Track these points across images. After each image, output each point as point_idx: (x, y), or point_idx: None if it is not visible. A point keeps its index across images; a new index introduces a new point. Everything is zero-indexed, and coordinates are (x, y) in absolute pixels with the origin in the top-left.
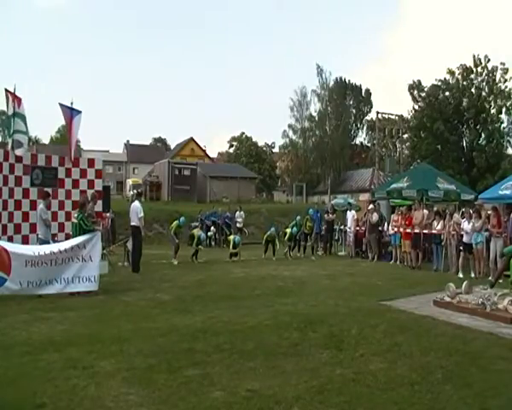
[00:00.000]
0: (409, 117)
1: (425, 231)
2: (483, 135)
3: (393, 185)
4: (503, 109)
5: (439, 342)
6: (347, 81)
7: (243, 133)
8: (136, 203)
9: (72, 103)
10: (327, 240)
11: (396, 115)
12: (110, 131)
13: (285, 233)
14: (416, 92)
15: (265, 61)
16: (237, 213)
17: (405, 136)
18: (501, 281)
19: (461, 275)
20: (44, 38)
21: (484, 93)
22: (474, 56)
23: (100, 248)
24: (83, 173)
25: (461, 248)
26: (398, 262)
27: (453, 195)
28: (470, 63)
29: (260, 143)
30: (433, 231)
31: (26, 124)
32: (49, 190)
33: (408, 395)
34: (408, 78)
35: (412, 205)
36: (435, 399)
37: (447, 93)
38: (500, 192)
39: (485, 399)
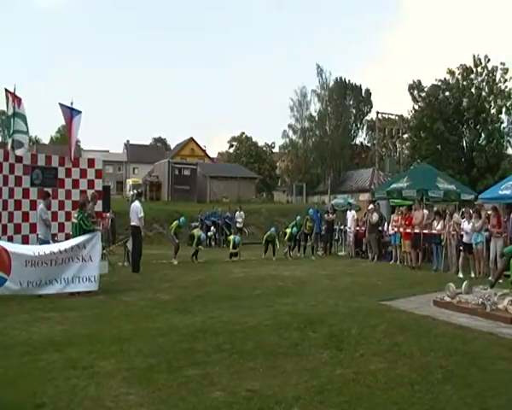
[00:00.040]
0: (409, 117)
1: (425, 231)
2: (483, 135)
3: (393, 185)
4: (503, 109)
5: (439, 342)
6: (347, 81)
7: (243, 133)
8: (136, 203)
9: (72, 103)
10: (327, 240)
11: (396, 115)
12: (110, 131)
13: (285, 233)
14: (416, 92)
15: (265, 61)
16: (237, 213)
17: (405, 136)
18: (501, 281)
19: (461, 275)
20: (44, 38)
21: (484, 93)
22: (474, 56)
23: (100, 248)
24: (83, 173)
25: (461, 248)
26: (398, 262)
27: (453, 195)
28: (470, 63)
29: (260, 143)
30: (433, 231)
31: (26, 124)
32: (49, 190)
33: (408, 395)
34: (408, 78)
35: (412, 205)
36: (435, 399)
37: (447, 93)
38: (500, 192)
39: (485, 399)
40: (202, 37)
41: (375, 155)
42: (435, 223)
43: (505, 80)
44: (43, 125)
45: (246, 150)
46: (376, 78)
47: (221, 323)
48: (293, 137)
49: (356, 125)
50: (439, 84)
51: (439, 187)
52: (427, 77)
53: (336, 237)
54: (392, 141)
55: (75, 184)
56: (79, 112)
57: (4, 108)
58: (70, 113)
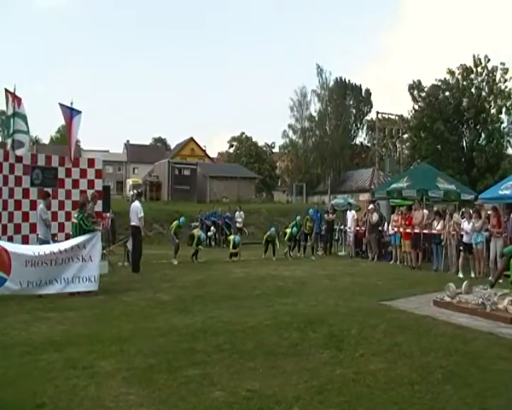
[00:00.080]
0: (409, 117)
1: (425, 231)
2: (483, 135)
3: (393, 185)
4: (503, 109)
5: (439, 342)
6: (347, 81)
7: (243, 133)
8: (137, 203)
9: (72, 103)
10: (327, 240)
11: (396, 115)
12: (110, 131)
13: (285, 233)
14: (416, 92)
15: (265, 61)
16: (237, 213)
17: (405, 136)
18: (501, 281)
19: (461, 275)
20: (44, 38)
21: (484, 93)
22: (474, 56)
23: (100, 248)
24: (83, 173)
25: (461, 248)
26: (398, 262)
27: (453, 195)
28: (470, 63)
29: (260, 143)
30: (433, 231)
31: (27, 123)
32: (49, 190)
33: (408, 395)
34: (408, 78)
35: (412, 205)
36: (435, 399)
37: (447, 93)
38: (500, 192)
39: (485, 399)
40: (202, 37)
41: (375, 155)
42: (435, 223)
43: (505, 80)
44: (43, 125)
45: (246, 150)
46: (376, 78)
47: (221, 323)
48: (293, 137)
49: (356, 125)
50: (439, 84)
51: (439, 187)
52: (427, 77)
53: (336, 237)
54: (392, 141)
55: (75, 184)
56: (79, 112)
57: (4, 109)
58: (70, 113)
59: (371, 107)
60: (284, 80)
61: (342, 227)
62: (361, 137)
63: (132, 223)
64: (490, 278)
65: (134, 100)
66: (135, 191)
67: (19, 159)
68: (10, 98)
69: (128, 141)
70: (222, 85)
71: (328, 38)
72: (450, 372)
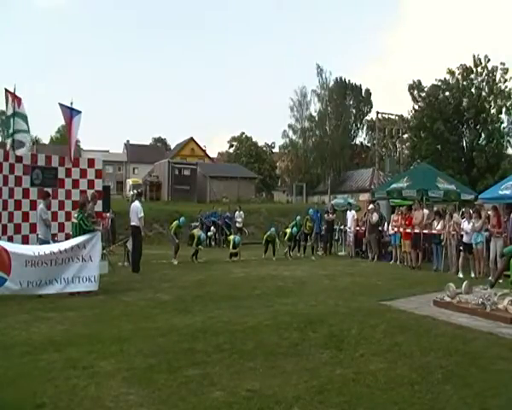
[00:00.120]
0: (409, 117)
1: (425, 231)
2: (483, 135)
3: (393, 185)
4: (503, 109)
5: (439, 342)
6: (347, 81)
7: (243, 133)
8: (137, 203)
9: (72, 103)
10: (327, 240)
11: (396, 115)
12: (110, 131)
13: (285, 233)
14: (416, 92)
15: (265, 61)
16: (237, 213)
17: (405, 136)
18: (501, 281)
19: (461, 275)
20: (44, 38)
21: (484, 93)
22: (474, 56)
23: (100, 248)
24: (83, 173)
25: (461, 248)
26: (398, 262)
27: (453, 195)
28: (470, 63)
29: (260, 143)
30: (433, 231)
31: (27, 123)
32: (49, 190)
33: (408, 395)
34: (408, 78)
35: (412, 205)
36: (435, 399)
37: (447, 93)
38: (500, 192)
39: (485, 399)
40: (202, 37)
41: (375, 155)
42: (435, 223)
43: (505, 80)
44: (43, 125)
45: (246, 150)
46: (376, 78)
47: (221, 323)
48: (293, 137)
49: (356, 125)
50: (439, 84)
51: (439, 187)
52: (427, 77)
53: (336, 237)
54: (392, 141)
55: (75, 184)
56: (79, 112)
57: (4, 109)
58: (70, 113)
59: (371, 107)
60: (284, 80)
61: (342, 227)
62: (361, 137)
63: (132, 223)
64: (490, 278)
65: (134, 100)
66: (135, 191)
67: (19, 159)
68: (10, 98)
69: (128, 141)
70: (222, 85)
71: (328, 38)
72: (450, 372)
